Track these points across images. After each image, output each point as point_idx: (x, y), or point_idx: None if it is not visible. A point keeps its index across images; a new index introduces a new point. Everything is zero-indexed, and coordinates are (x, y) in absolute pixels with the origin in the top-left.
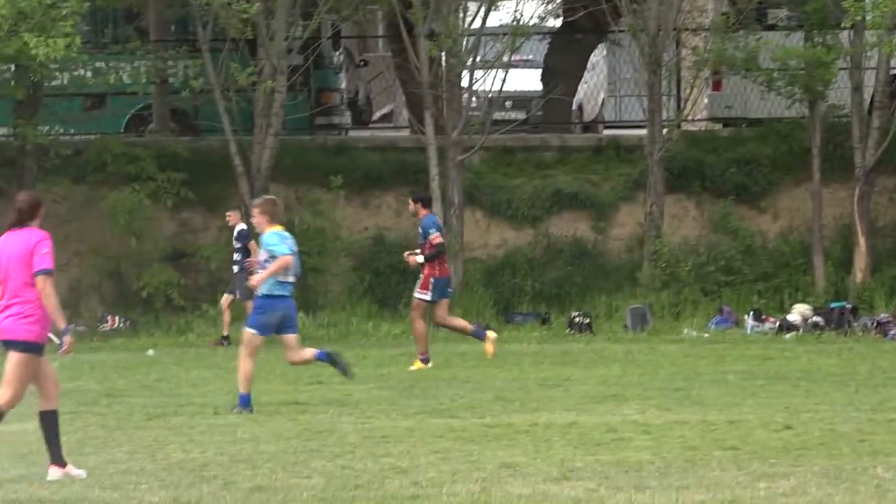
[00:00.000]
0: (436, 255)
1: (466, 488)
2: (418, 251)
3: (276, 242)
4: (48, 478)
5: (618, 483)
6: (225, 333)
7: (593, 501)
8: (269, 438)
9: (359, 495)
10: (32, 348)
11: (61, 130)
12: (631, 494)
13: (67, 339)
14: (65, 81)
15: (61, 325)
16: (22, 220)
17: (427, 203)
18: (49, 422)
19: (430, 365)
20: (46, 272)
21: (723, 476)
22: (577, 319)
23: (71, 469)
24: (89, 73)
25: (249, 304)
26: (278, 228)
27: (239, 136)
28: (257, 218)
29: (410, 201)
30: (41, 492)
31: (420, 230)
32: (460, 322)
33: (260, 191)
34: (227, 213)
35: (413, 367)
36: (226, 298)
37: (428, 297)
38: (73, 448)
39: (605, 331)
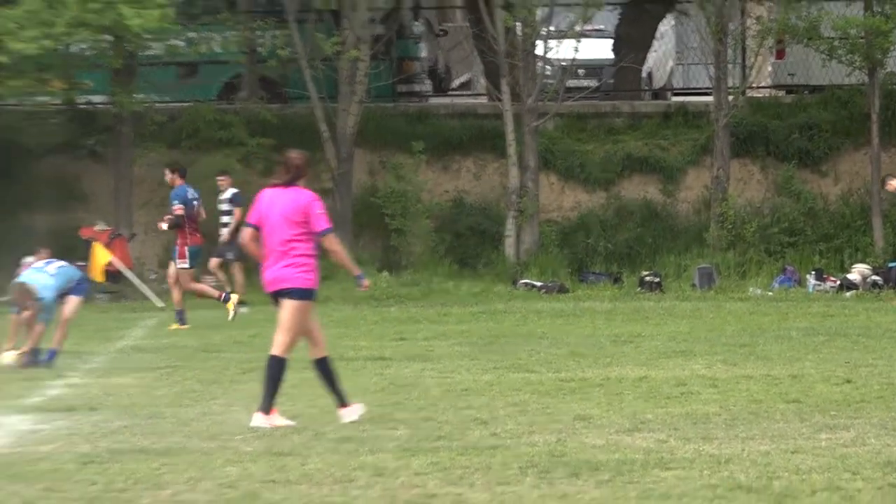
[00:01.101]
0: (176, 225)
1: (543, 439)
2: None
3: None
4: (345, 419)
5: (686, 434)
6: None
7: (663, 452)
8: (355, 392)
9: (441, 445)
10: (308, 295)
11: (156, 98)
12: (699, 445)
13: (365, 282)
14: (159, 51)
15: (356, 271)
16: (293, 179)
17: (183, 174)
18: (324, 368)
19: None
20: (329, 231)
21: (786, 427)
22: (647, 278)
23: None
24: (182, 44)
25: (238, 267)
26: None
27: (325, 103)
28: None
29: (167, 171)
30: (143, 441)
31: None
32: (206, 288)
33: (346, 156)
34: (218, 178)
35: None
36: (214, 262)
37: (187, 265)
38: (173, 400)
39: (674, 289)
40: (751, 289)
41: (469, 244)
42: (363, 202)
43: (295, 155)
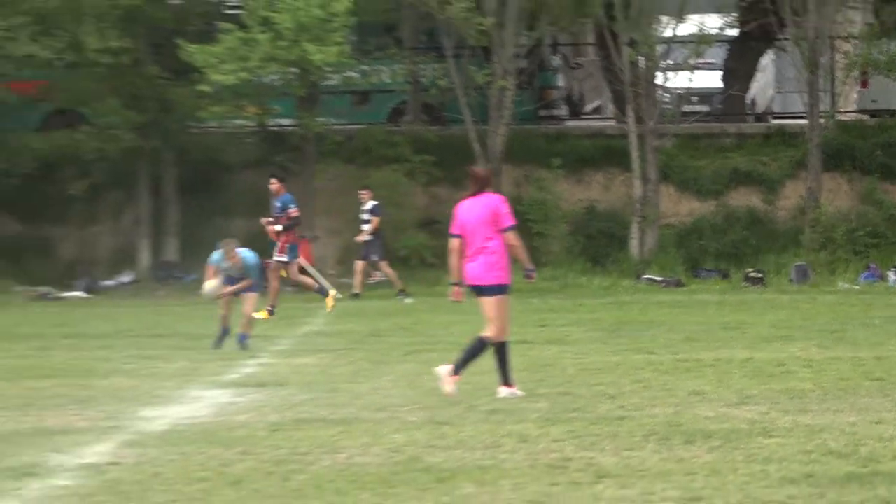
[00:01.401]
0: (292, 226)
1: (663, 411)
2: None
3: None
4: (500, 395)
5: (785, 407)
6: (401, 286)
7: (766, 422)
8: None
9: (576, 416)
10: (505, 290)
11: (334, 121)
12: (796, 416)
13: (534, 275)
14: (337, 81)
15: (529, 265)
16: (482, 188)
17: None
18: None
19: (274, 317)
20: (513, 227)
21: (871, 402)
22: (751, 274)
23: (516, 390)
24: (357, 75)
25: (385, 265)
26: None
27: (477, 125)
28: None
29: (273, 180)
30: (322, 412)
31: (279, 204)
32: (308, 280)
33: (495, 170)
34: (360, 192)
35: (259, 315)
36: (359, 264)
37: (286, 259)
38: (348, 377)
39: (774, 284)
40: (840, 283)
41: (599, 245)
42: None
43: (479, 169)
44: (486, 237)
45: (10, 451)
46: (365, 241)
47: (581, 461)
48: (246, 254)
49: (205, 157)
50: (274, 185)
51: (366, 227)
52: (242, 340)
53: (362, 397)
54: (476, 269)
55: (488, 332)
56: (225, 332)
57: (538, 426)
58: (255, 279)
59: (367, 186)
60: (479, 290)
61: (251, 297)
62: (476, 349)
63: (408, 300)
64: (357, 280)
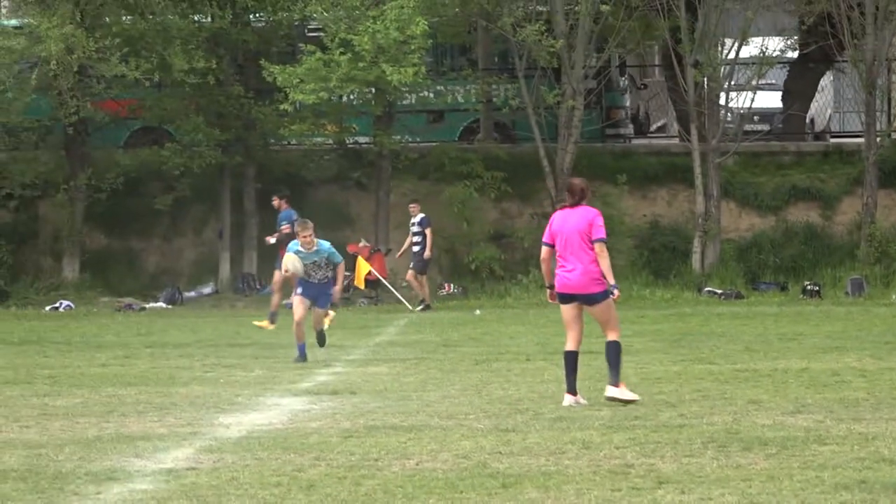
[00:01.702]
0: (283, 241)
1: (722, 419)
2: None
3: None
4: (606, 394)
5: (840, 416)
6: (427, 301)
7: (821, 430)
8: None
9: (638, 423)
10: (607, 294)
11: (409, 139)
12: (850, 425)
13: (616, 292)
14: (412, 101)
15: (612, 280)
16: (579, 200)
17: (289, 200)
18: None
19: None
20: (603, 240)
21: None
22: (808, 287)
23: (624, 392)
24: (431, 95)
25: (424, 279)
26: None
27: (546, 143)
28: None
29: (275, 198)
30: (393, 419)
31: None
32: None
33: (563, 187)
34: (410, 206)
35: (259, 323)
36: (410, 273)
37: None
38: (418, 386)
39: (830, 296)
40: (894, 296)
41: (662, 258)
42: None
43: (578, 181)
44: (583, 248)
45: (93, 456)
46: (418, 254)
47: (642, 467)
48: (321, 242)
49: (284, 174)
50: (275, 201)
51: (417, 238)
52: (320, 338)
53: (431, 405)
54: (577, 280)
55: (612, 334)
56: (302, 349)
57: (601, 433)
58: (340, 260)
59: (417, 200)
60: (576, 299)
61: (322, 314)
62: (616, 353)
63: (476, 312)
64: (424, 291)
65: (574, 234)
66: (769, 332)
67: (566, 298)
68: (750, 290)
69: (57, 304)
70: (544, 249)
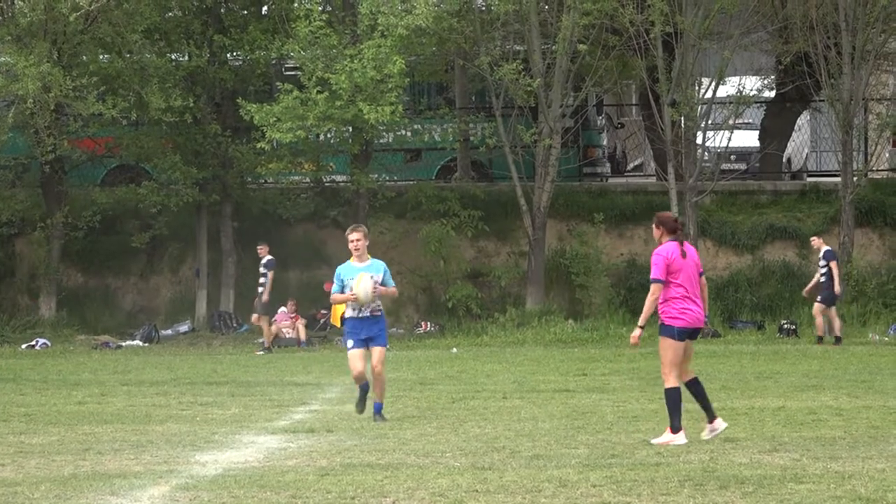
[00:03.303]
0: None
1: (698, 457)
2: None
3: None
4: (703, 435)
5: (816, 454)
6: (267, 345)
7: (797, 468)
8: (545, 418)
9: (614, 462)
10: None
11: (387, 178)
12: (826, 463)
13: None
14: (389, 139)
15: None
16: (678, 235)
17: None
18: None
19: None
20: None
21: None
22: (785, 326)
23: (718, 424)
24: (408, 133)
25: (265, 319)
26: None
27: (523, 182)
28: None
29: (260, 246)
30: (370, 457)
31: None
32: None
33: (540, 225)
34: (259, 247)
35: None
36: (256, 317)
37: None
38: (394, 424)
39: (807, 335)
40: (870, 335)
41: (640, 297)
42: (553, 262)
43: (670, 214)
44: (699, 283)
45: (69, 494)
46: (262, 295)
47: None
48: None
49: (261, 211)
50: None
51: (263, 280)
52: (378, 411)
53: (408, 443)
54: (698, 313)
55: (689, 372)
56: (365, 389)
57: (578, 471)
58: (393, 285)
59: (265, 242)
60: (693, 333)
61: (381, 351)
62: (701, 389)
63: (453, 350)
64: (268, 333)
65: (693, 269)
66: (746, 371)
67: (692, 334)
68: (727, 328)
69: (33, 342)
70: (657, 286)
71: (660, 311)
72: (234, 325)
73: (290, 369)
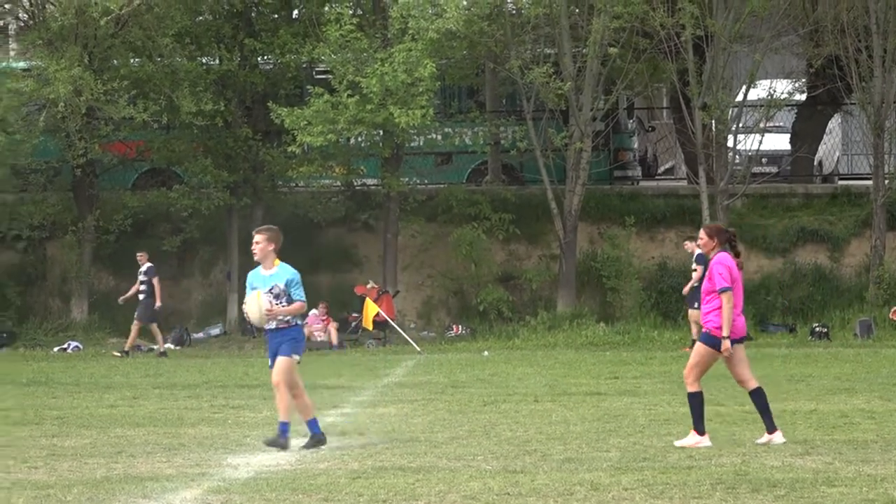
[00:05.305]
0: None
1: (730, 461)
2: None
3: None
4: (767, 441)
5: (848, 458)
6: (127, 349)
7: (829, 472)
8: (576, 420)
9: (646, 465)
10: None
11: (417, 181)
12: (859, 466)
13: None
14: (420, 143)
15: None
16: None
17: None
18: (758, 398)
19: None
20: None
21: None
22: (817, 329)
23: (776, 436)
24: (439, 137)
25: (153, 327)
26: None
27: (554, 185)
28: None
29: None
30: (401, 461)
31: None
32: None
33: (571, 228)
34: (139, 254)
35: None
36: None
37: None
38: (426, 427)
39: (839, 338)
40: None
41: (670, 300)
42: (584, 266)
43: (719, 225)
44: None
45: (101, 496)
46: (143, 302)
47: None
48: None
49: (292, 215)
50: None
51: (143, 287)
52: (282, 433)
53: (440, 446)
54: (741, 322)
55: (753, 380)
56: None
57: (609, 475)
58: (299, 298)
59: (144, 250)
60: (740, 340)
61: (281, 361)
62: (763, 399)
63: (485, 353)
64: (158, 339)
65: (741, 279)
66: (778, 374)
67: (735, 342)
68: (758, 331)
69: (65, 346)
70: (729, 295)
71: (705, 321)
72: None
73: (322, 372)
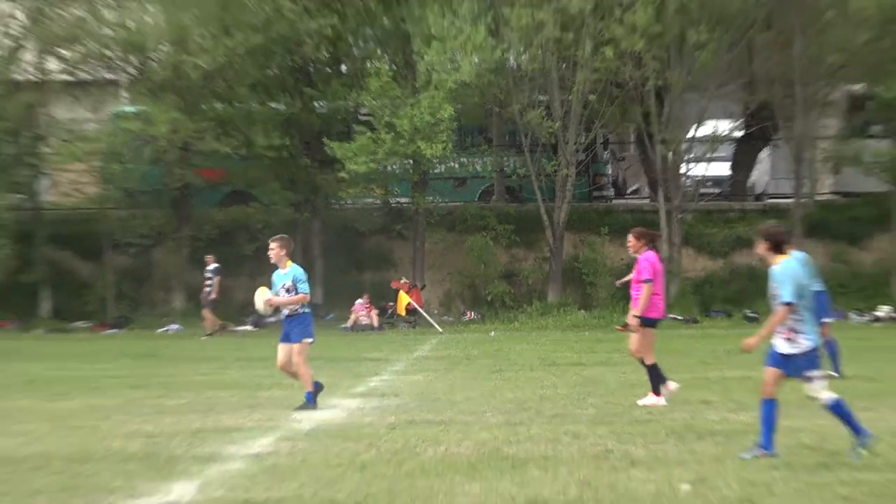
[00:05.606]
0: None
1: (681, 416)
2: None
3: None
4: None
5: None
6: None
7: (757, 424)
8: (562, 385)
9: (616, 419)
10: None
11: (439, 200)
12: (781, 420)
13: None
14: (441, 170)
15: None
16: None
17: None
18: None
19: None
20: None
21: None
22: (749, 314)
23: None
24: (456, 165)
25: (205, 311)
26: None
27: (545, 203)
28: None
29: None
30: (427, 416)
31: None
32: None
33: (559, 236)
34: (207, 257)
35: None
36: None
37: None
38: (447, 390)
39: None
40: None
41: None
42: (569, 265)
43: (642, 229)
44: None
45: (197, 443)
46: (207, 293)
47: (619, 452)
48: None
49: (342, 226)
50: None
51: (209, 282)
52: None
53: (457, 404)
54: (663, 305)
55: (652, 357)
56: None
57: (587, 426)
58: (302, 291)
59: (211, 253)
60: (654, 322)
61: (297, 346)
62: (657, 371)
63: (491, 333)
64: (209, 323)
65: (662, 272)
66: (717, 349)
67: (656, 321)
68: (703, 316)
69: (167, 328)
70: (650, 285)
71: (635, 305)
72: (322, 314)
73: (366, 348)
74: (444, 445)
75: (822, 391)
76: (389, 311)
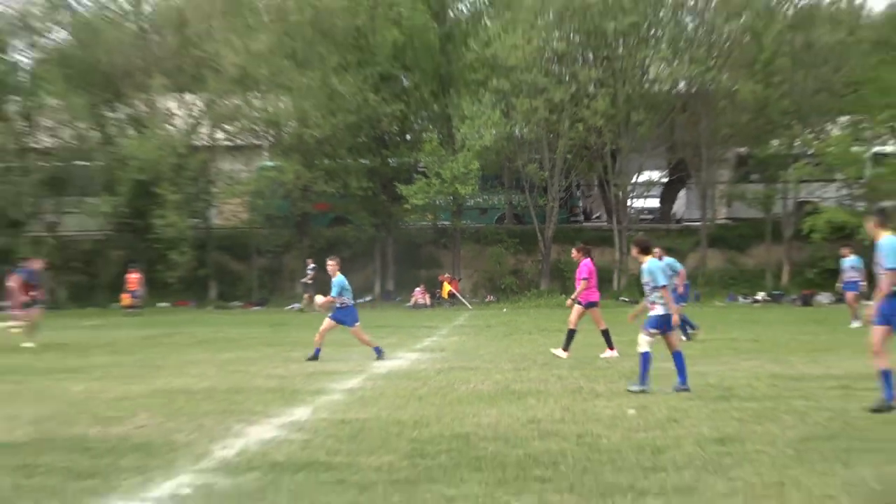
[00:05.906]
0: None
1: (629, 364)
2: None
3: None
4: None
5: (691, 362)
6: (303, 307)
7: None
8: (552, 343)
9: (589, 366)
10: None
11: (470, 222)
12: (694, 367)
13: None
14: (471, 203)
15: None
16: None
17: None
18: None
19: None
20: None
21: (730, 359)
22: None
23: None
24: (481, 200)
25: (307, 296)
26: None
27: (539, 225)
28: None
29: (330, 261)
30: (463, 363)
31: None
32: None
33: (548, 246)
34: (307, 259)
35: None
36: (308, 295)
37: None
38: (475, 347)
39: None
40: (716, 303)
41: (601, 284)
42: (555, 266)
43: (581, 245)
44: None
45: (311, 381)
46: (307, 283)
47: (588, 388)
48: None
49: (407, 241)
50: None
51: (312, 275)
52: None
53: (481, 357)
54: (597, 294)
55: (574, 324)
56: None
57: (568, 371)
58: (333, 295)
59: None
60: (594, 304)
61: (351, 329)
62: (571, 338)
63: (504, 310)
64: (307, 301)
65: (595, 272)
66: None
67: (591, 305)
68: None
69: (291, 306)
70: (585, 282)
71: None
72: (394, 297)
73: (421, 319)
74: (473, 384)
75: (645, 343)
76: (437, 295)
